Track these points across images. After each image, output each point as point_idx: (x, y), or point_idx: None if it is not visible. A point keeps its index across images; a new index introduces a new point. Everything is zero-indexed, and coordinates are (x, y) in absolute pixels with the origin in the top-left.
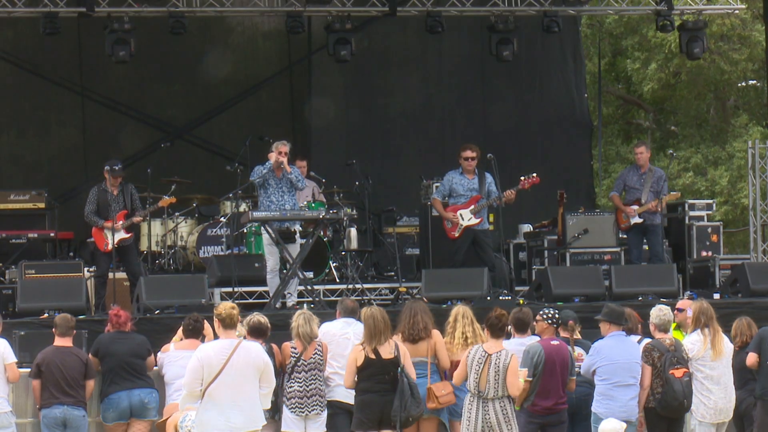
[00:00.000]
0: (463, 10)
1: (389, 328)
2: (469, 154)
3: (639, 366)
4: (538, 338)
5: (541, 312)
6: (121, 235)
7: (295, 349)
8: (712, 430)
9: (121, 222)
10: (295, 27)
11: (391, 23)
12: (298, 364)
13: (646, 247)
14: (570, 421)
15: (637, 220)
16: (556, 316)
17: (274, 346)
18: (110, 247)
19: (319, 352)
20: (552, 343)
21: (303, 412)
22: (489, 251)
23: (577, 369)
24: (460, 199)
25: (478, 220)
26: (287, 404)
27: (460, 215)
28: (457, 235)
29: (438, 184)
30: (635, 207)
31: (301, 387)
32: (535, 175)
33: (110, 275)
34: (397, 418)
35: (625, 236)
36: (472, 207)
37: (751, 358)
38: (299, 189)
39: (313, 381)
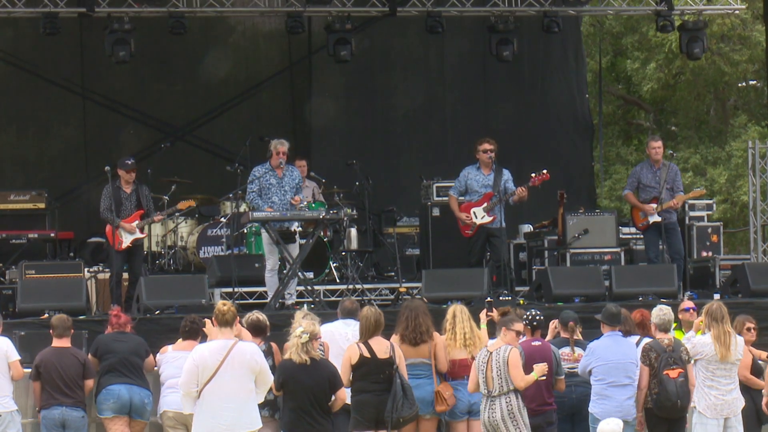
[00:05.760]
0: (463, 11)
1: (380, 329)
2: (486, 146)
3: (634, 366)
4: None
5: (525, 313)
6: (137, 234)
7: None
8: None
9: (136, 222)
10: (295, 27)
11: (391, 23)
12: None
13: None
14: (570, 421)
15: (656, 218)
16: (538, 317)
17: (274, 345)
18: (124, 246)
19: (322, 351)
20: (533, 344)
21: None
22: (498, 250)
23: (575, 369)
24: (474, 196)
25: (491, 218)
26: None
27: (474, 213)
28: (471, 233)
29: (438, 184)
30: (653, 205)
31: None
32: (545, 171)
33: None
34: (389, 419)
35: (628, 236)
36: (485, 205)
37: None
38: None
39: None
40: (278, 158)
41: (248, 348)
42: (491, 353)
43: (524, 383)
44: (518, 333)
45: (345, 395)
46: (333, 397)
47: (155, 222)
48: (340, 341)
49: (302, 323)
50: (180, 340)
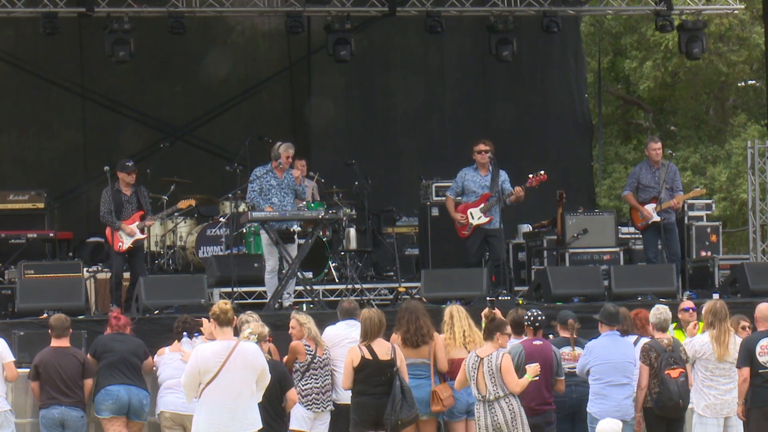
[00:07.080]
0: (462, 10)
1: (383, 331)
2: (482, 147)
3: (632, 365)
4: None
5: (526, 313)
6: (137, 236)
7: (309, 347)
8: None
9: (136, 223)
10: (294, 27)
11: (390, 23)
12: (314, 361)
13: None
14: (569, 421)
15: (655, 218)
16: (540, 317)
17: (272, 346)
18: (125, 247)
19: (327, 350)
20: (534, 343)
21: (319, 408)
22: (497, 250)
23: (575, 369)
24: (471, 196)
25: (487, 219)
26: (302, 401)
27: (470, 214)
28: (467, 233)
29: (438, 184)
30: (652, 206)
31: (318, 383)
32: (542, 172)
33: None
34: (389, 421)
35: (627, 236)
36: (482, 205)
37: (744, 373)
38: (300, 198)
39: (327, 377)
40: (287, 162)
41: (250, 348)
42: (482, 359)
43: (520, 387)
44: (509, 336)
45: (296, 396)
46: (285, 399)
47: (147, 225)
48: (344, 343)
49: (251, 324)
50: (175, 341)
